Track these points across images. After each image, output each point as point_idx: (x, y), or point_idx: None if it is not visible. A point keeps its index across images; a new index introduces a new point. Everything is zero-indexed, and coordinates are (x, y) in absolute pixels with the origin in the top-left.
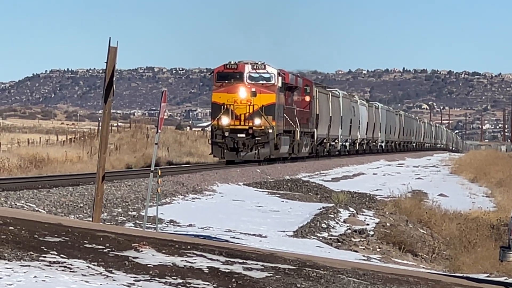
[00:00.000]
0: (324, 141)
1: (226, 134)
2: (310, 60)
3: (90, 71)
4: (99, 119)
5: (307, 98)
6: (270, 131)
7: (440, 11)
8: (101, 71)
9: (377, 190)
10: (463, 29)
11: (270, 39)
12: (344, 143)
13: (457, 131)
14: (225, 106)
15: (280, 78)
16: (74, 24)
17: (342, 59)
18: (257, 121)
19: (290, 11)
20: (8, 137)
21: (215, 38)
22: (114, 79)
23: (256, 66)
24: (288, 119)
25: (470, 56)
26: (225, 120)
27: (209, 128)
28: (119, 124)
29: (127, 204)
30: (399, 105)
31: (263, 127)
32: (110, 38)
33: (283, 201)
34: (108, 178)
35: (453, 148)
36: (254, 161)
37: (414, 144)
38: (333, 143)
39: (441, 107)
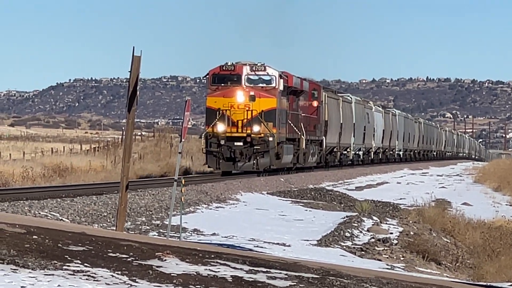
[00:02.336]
0: (335, 149)
1: (222, 142)
2: (334, 69)
3: (114, 80)
4: (123, 128)
5: (315, 103)
6: (271, 139)
7: (464, 20)
8: (125, 80)
9: (400, 199)
10: (487, 38)
11: (298, 50)
12: (357, 152)
13: (480, 140)
14: (221, 111)
15: (281, 80)
16: (98, 33)
17: (365, 68)
18: (256, 128)
19: (315, 21)
20: (31, 146)
21: (241, 48)
22: (138, 88)
23: (255, 68)
24: (292, 125)
25: (493, 65)
26: (220, 127)
27: (203, 136)
28: (143, 133)
29: (150, 213)
30: (423, 114)
31: (262, 135)
32: (134, 47)
33: (306, 210)
34: (131, 187)
35: (476, 157)
36: (252, 173)
37: (435, 153)
38: (345, 152)
39: (465, 116)
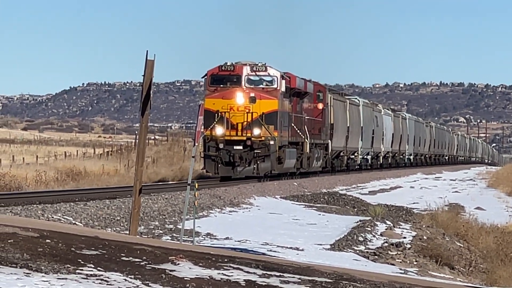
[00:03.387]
0: (341, 154)
1: (221, 146)
2: (347, 73)
3: (127, 84)
4: (136, 132)
5: (320, 106)
6: (272, 142)
7: (478, 24)
8: (138, 84)
9: (414, 203)
10: (500, 43)
11: (312, 55)
12: (365, 156)
13: (494, 144)
14: (220, 113)
15: (283, 81)
16: (111, 37)
17: (379, 73)
18: (257, 131)
19: (328, 25)
20: (45, 150)
21: (253, 51)
22: (151, 92)
23: (256, 68)
24: (296, 128)
25: (507, 69)
26: (219, 130)
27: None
28: (156, 137)
29: (164, 217)
30: (436, 118)
31: (263, 138)
32: (147, 51)
33: (320, 214)
34: (145, 191)
35: (489, 161)
36: (252, 178)
37: (447, 157)
38: (353, 156)
39: (478, 121)
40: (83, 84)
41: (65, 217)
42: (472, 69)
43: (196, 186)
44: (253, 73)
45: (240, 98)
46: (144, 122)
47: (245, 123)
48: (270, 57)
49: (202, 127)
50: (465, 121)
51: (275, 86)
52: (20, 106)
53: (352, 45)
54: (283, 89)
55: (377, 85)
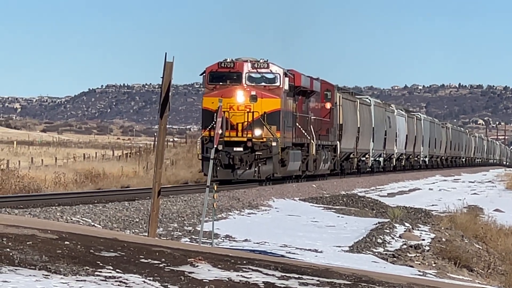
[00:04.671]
0: (351, 156)
1: (220, 147)
2: (366, 76)
3: (146, 86)
4: (155, 134)
5: (328, 105)
6: (274, 144)
7: (497, 26)
8: (157, 86)
9: (432, 205)
10: None
11: (331, 57)
12: (377, 159)
13: None
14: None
15: (287, 79)
16: (130, 39)
17: (398, 75)
18: (258, 131)
19: (350, 27)
20: (64, 152)
21: (271, 51)
22: (170, 94)
23: (257, 65)
24: (301, 129)
25: None
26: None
27: (198, 141)
28: (175, 139)
29: (183, 219)
30: (455, 120)
31: (265, 139)
32: (166, 53)
33: (338, 216)
34: (164, 193)
35: (507, 163)
36: (254, 181)
37: (464, 160)
38: (363, 158)
39: (497, 123)
40: (102, 86)
41: (84, 219)
42: (491, 71)
43: (215, 188)
44: (254, 70)
45: (240, 96)
46: (163, 124)
47: (245, 123)
48: (285, 59)
49: (221, 129)
50: (483, 123)
51: (277, 84)
52: (39, 108)
53: (371, 47)
54: (287, 87)
55: (396, 87)
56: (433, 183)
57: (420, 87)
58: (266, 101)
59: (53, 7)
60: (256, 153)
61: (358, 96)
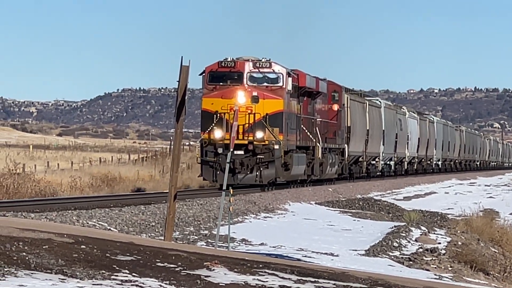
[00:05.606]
0: (360, 159)
1: (220, 151)
2: (382, 79)
3: (162, 90)
4: (171, 138)
5: (335, 107)
6: (276, 147)
7: None
8: (173, 90)
9: (448, 209)
10: None
11: (347, 60)
12: (387, 162)
13: None
14: (219, 115)
15: (290, 79)
16: (146, 43)
17: (413, 78)
18: (259, 134)
19: (364, 31)
20: (80, 156)
21: (288, 56)
22: (186, 98)
23: (259, 64)
24: (306, 131)
25: None
26: (218, 133)
27: (198, 143)
28: (191, 143)
29: (199, 223)
30: (471, 124)
31: (267, 142)
32: (182, 57)
33: (355, 220)
34: (180, 197)
35: None
36: (255, 186)
37: (478, 163)
38: (373, 162)
39: None
40: (118, 90)
41: (100, 223)
42: (507, 75)
43: (231, 192)
44: (256, 70)
45: (241, 97)
46: (179, 128)
47: (246, 125)
48: (296, 61)
49: (236, 133)
50: (499, 126)
51: (280, 84)
52: (55, 112)
53: (387, 50)
54: (290, 87)
55: (412, 91)
56: (449, 186)
57: (436, 91)
58: (268, 102)
59: (69, 12)
60: (258, 156)
61: (367, 98)
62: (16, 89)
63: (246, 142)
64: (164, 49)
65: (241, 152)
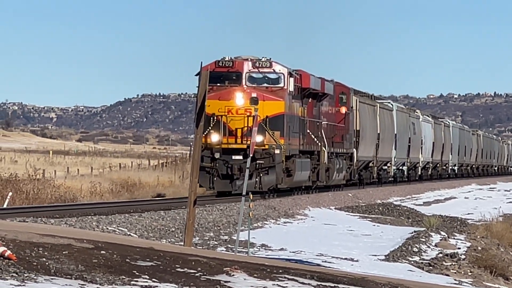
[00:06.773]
0: (370, 164)
1: (217, 155)
2: (402, 84)
3: (182, 96)
4: (191, 143)
5: (343, 110)
6: (277, 151)
7: None
8: (192, 96)
9: (468, 214)
10: None
11: (367, 66)
12: (400, 167)
13: None
14: (216, 117)
15: (292, 80)
16: (166, 48)
17: (433, 83)
18: (259, 138)
19: (384, 37)
20: (99, 162)
21: (309, 60)
22: (205, 103)
23: (259, 64)
24: (311, 135)
25: None
26: (215, 137)
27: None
28: None
29: (218, 228)
30: (490, 129)
31: (267, 146)
32: (201, 62)
33: (374, 225)
34: (199, 202)
35: None
36: (255, 193)
37: (496, 168)
38: (385, 167)
39: None
40: (137, 95)
41: (120, 228)
42: None
43: (251, 198)
44: (256, 70)
45: (239, 99)
46: (198, 133)
47: (245, 128)
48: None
49: (257, 138)
50: None
51: (281, 85)
52: (75, 118)
53: (407, 55)
54: (292, 88)
55: (432, 96)
56: (469, 191)
57: (455, 96)
58: (268, 104)
59: (90, 18)
60: (257, 161)
61: (378, 101)
62: (36, 95)
63: (244, 146)
64: (184, 54)
65: (240, 157)
